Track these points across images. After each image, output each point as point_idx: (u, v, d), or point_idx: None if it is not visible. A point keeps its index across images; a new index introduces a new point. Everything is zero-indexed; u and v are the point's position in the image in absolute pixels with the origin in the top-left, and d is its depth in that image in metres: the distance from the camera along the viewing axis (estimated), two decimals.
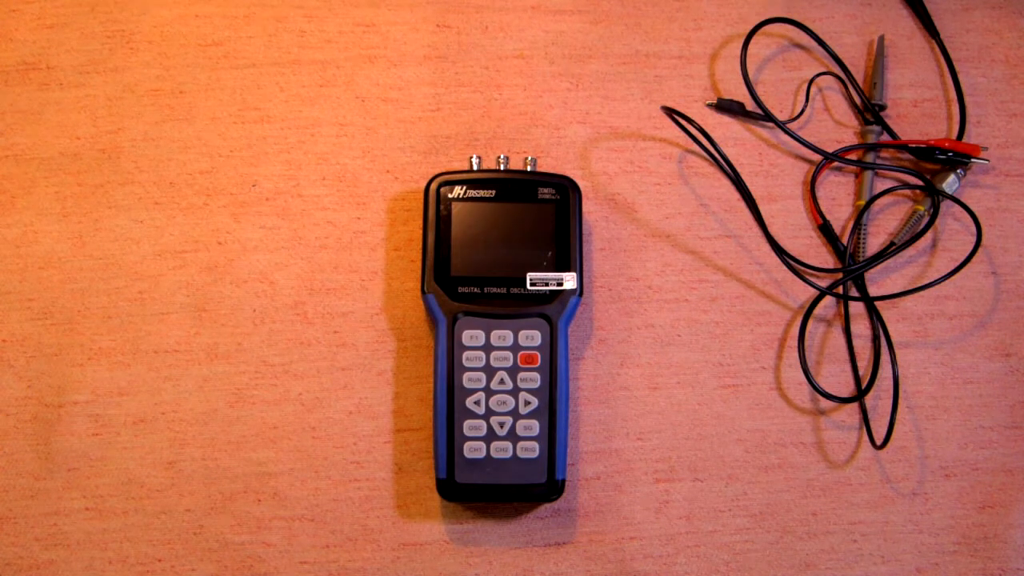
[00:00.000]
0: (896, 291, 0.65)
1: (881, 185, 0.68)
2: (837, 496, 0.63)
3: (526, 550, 0.61)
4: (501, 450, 0.59)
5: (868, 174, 0.67)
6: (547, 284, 0.60)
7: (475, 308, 0.60)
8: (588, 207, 0.66)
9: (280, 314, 0.64)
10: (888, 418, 0.63)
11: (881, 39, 0.69)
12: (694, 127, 0.64)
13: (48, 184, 0.65)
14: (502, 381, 0.59)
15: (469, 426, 0.59)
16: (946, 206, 0.67)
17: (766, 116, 0.67)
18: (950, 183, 0.67)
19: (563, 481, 0.59)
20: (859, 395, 0.64)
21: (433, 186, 0.62)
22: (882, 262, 0.66)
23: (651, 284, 0.65)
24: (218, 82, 0.67)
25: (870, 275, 0.66)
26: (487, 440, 0.59)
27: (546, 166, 0.66)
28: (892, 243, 0.66)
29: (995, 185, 0.68)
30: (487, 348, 0.59)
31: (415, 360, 0.63)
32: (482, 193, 0.62)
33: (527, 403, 0.59)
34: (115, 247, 0.64)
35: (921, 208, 0.67)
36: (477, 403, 0.59)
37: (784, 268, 0.65)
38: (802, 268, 0.66)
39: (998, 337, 0.66)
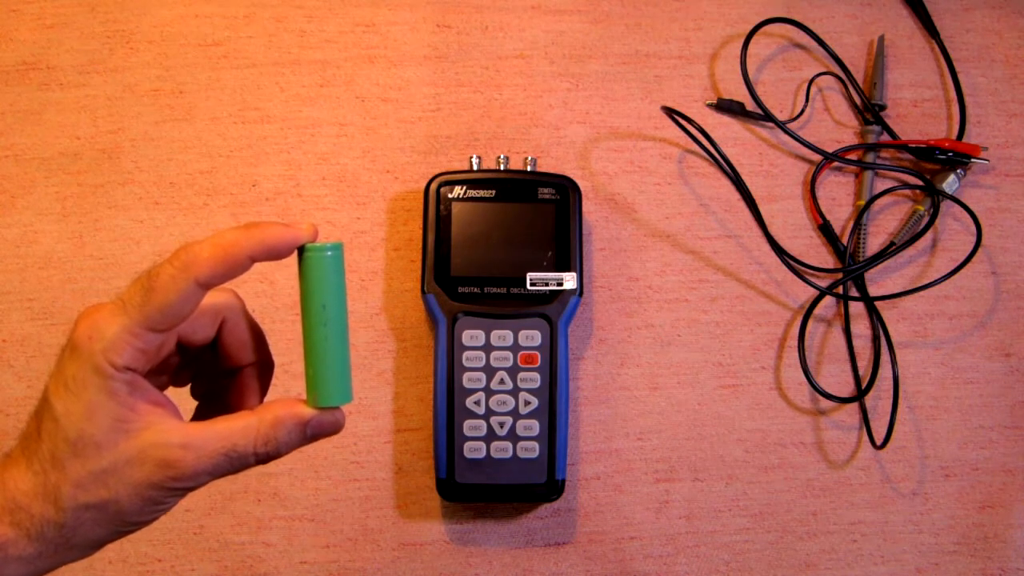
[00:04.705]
0: (896, 291, 0.65)
1: (881, 185, 0.68)
2: (837, 496, 0.63)
3: (526, 550, 0.61)
4: (501, 450, 0.59)
5: (868, 174, 0.67)
6: (547, 284, 0.60)
7: (475, 308, 0.60)
8: (588, 207, 0.66)
9: (280, 314, 0.64)
10: (888, 418, 0.63)
11: (881, 39, 0.69)
12: (694, 127, 0.64)
13: (48, 184, 0.65)
14: (502, 381, 0.59)
15: (469, 426, 0.59)
16: (946, 206, 0.67)
17: (766, 116, 0.67)
18: (950, 183, 0.67)
19: (563, 481, 0.59)
20: (859, 395, 0.64)
21: (433, 186, 0.62)
22: (882, 262, 0.66)
23: (651, 284, 0.65)
24: (218, 82, 0.67)
25: (870, 275, 0.66)
26: (487, 440, 0.59)
27: (546, 166, 0.66)
28: (892, 243, 0.66)
29: (995, 185, 0.68)
30: (487, 348, 0.59)
31: (415, 360, 0.63)
32: (482, 193, 0.62)
33: (527, 403, 0.59)
34: (115, 247, 0.64)
35: (921, 208, 0.67)
36: (477, 403, 0.59)
37: (784, 268, 0.65)
38: (802, 268, 0.66)
39: (998, 337, 0.66)
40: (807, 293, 0.65)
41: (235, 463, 0.37)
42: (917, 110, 0.69)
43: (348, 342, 0.38)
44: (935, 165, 0.67)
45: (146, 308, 0.35)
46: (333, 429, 0.38)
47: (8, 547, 0.35)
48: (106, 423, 0.35)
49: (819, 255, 0.66)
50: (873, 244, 0.67)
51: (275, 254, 0.37)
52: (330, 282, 0.37)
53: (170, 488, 0.36)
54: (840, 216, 0.67)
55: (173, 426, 0.36)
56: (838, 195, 0.68)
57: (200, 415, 0.43)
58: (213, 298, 0.40)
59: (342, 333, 0.38)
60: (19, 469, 0.36)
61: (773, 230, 0.66)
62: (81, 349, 0.35)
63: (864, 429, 0.64)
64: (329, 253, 0.37)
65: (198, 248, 0.36)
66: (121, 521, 0.36)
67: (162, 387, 0.41)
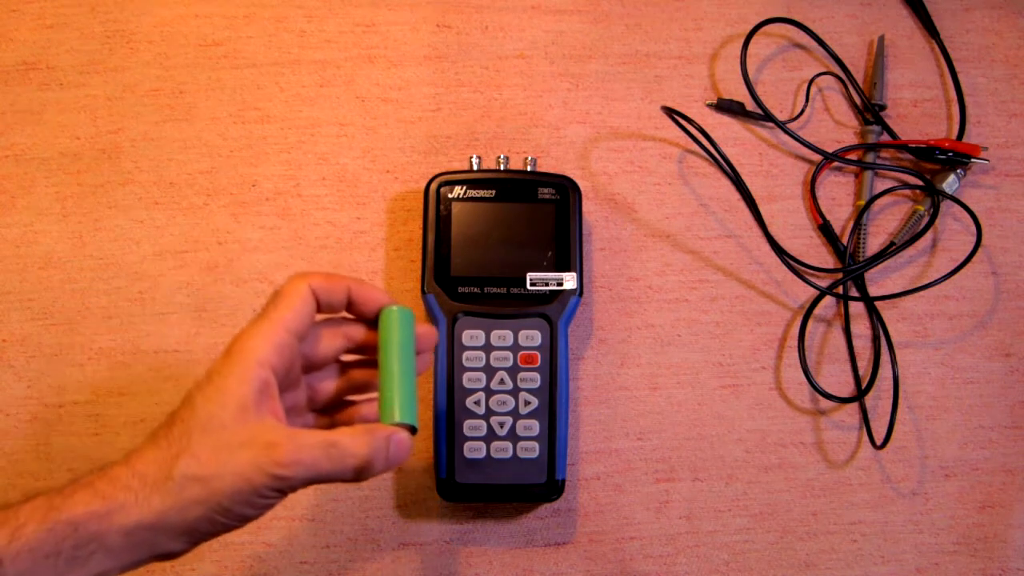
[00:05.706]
0: (896, 291, 0.65)
1: (881, 185, 0.68)
2: (837, 496, 0.63)
3: (526, 550, 0.61)
4: (501, 450, 0.59)
5: (868, 174, 0.67)
6: (547, 284, 0.60)
7: (475, 308, 0.60)
8: (588, 207, 0.66)
9: None
10: (888, 418, 0.63)
11: (881, 39, 0.69)
12: (694, 127, 0.64)
13: (48, 184, 0.65)
14: (502, 381, 0.59)
15: (469, 426, 0.59)
16: (946, 206, 0.67)
17: (766, 116, 0.67)
18: (950, 183, 0.67)
19: (563, 481, 0.59)
20: (859, 395, 0.64)
21: (433, 186, 0.62)
22: (882, 262, 0.66)
23: (651, 284, 0.65)
24: (218, 82, 0.67)
25: (870, 275, 0.66)
26: (487, 440, 0.59)
27: (546, 166, 0.66)
28: (892, 243, 0.66)
29: (995, 185, 0.68)
30: (487, 348, 0.59)
31: None
32: (482, 193, 0.62)
33: (527, 403, 0.59)
34: (115, 247, 0.64)
35: (921, 208, 0.67)
36: (477, 403, 0.59)
37: (784, 268, 0.65)
38: (802, 268, 0.66)
39: (998, 337, 0.66)
40: (807, 293, 0.65)
41: (334, 460, 0.42)
42: (917, 110, 0.69)
43: (416, 381, 0.46)
44: (935, 165, 0.67)
45: (275, 310, 0.44)
46: (406, 450, 0.44)
47: (114, 514, 0.39)
48: (234, 409, 0.41)
49: (819, 255, 0.66)
50: (873, 244, 0.67)
51: (365, 299, 0.47)
52: (405, 330, 0.47)
53: (270, 474, 0.40)
54: (840, 216, 0.67)
55: (283, 426, 0.42)
56: (838, 195, 0.68)
57: None
58: (335, 323, 0.48)
59: (411, 372, 0.46)
60: (145, 450, 0.42)
61: (773, 230, 0.66)
62: (229, 351, 0.43)
63: (864, 429, 0.64)
64: (407, 309, 0.47)
65: (310, 270, 0.47)
66: (219, 505, 0.40)
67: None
